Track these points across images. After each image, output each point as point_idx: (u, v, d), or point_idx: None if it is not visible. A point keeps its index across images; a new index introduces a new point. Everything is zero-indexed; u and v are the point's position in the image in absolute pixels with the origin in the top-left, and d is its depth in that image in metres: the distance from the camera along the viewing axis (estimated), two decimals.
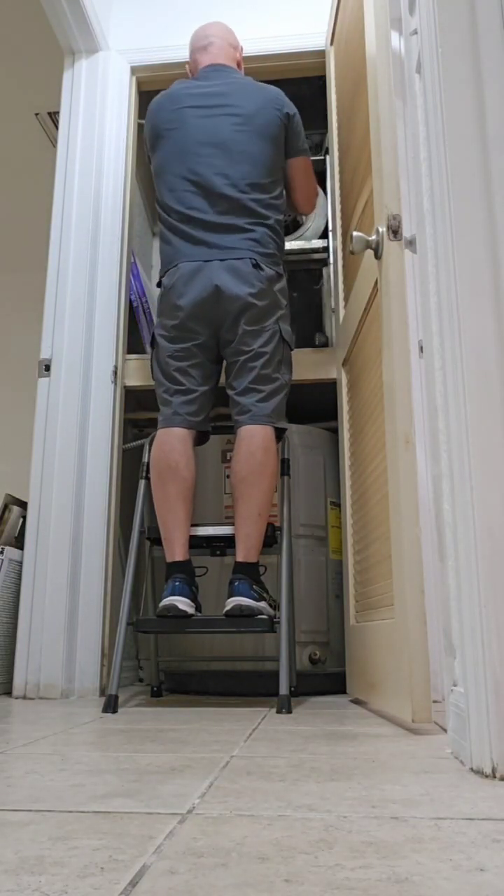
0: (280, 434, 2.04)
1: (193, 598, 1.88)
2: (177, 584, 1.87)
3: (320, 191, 2.76)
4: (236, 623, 1.84)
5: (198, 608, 1.90)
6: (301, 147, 2.26)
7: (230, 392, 2.04)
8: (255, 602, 1.84)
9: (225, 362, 2.09)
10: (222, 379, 2.13)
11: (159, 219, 2.18)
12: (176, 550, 1.92)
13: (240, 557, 1.90)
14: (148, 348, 2.20)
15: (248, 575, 1.88)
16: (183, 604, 1.83)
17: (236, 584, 1.86)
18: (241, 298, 1.99)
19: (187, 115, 2.17)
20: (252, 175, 2.09)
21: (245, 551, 1.90)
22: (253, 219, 2.07)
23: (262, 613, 1.85)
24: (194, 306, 2.01)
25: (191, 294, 2.01)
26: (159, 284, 2.14)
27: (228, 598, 1.85)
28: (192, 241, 2.06)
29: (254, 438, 1.96)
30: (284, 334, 2.07)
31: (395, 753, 1.17)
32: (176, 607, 1.82)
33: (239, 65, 2.39)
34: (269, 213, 2.10)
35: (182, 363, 2.04)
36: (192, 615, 1.85)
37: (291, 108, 2.23)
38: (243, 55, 2.45)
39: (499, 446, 1.08)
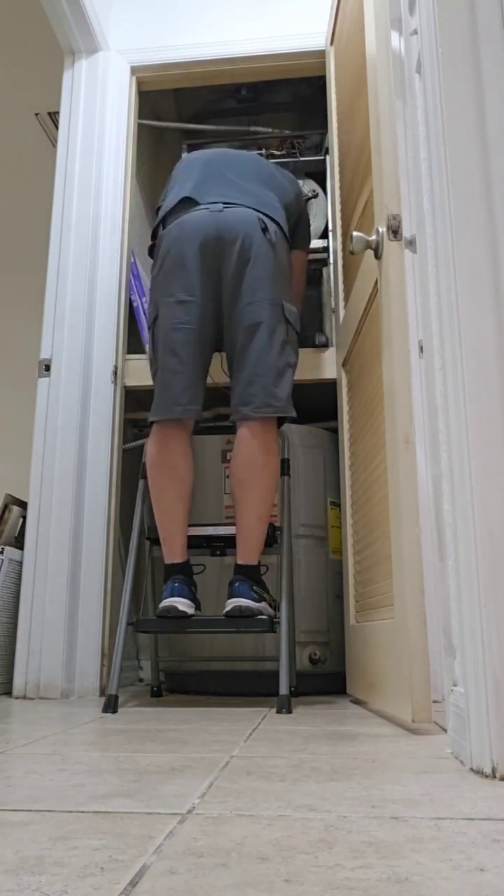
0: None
1: (192, 598, 1.88)
2: (176, 585, 1.87)
3: (320, 191, 2.77)
4: (236, 623, 1.84)
5: (197, 607, 1.90)
6: (306, 240, 2.28)
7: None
8: (254, 603, 1.84)
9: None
10: (219, 378, 2.13)
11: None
12: (175, 552, 1.92)
13: (239, 560, 1.91)
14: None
15: (248, 576, 1.88)
16: (183, 604, 1.83)
17: (236, 585, 1.86)
18: None
19: (205, 157, 2.22)
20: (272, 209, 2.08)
21: (244, 554, 1.90)
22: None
23: (262, 614, 1.85)
24: None
25: None
26: None
27: (228, 598, 1.85)
28: None
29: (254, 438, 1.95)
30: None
31: (395, 753, 1.17)
32: (176, 608, 1.82)
33: None
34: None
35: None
36: (191, 615, 1.85)
37: (304, 200, 2.28)
38: (243, 55, 2.46)
39: (499, 446, 1.08)
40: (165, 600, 1.85)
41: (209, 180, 2.08)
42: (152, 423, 2.01)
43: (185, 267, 1.96)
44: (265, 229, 1.98)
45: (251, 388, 1.93)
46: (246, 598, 1.83)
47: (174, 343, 1.96)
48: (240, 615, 1.82)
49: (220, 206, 1.99)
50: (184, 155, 2.34)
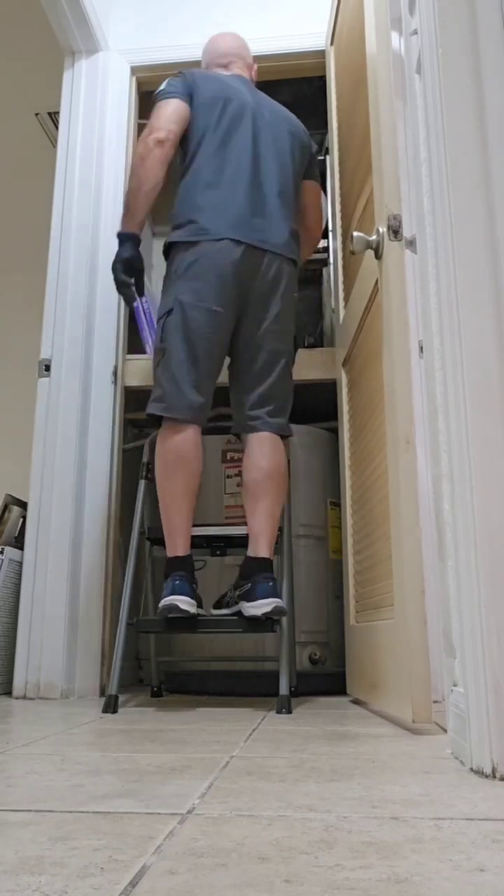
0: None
1: (193, 595, 1.85)
2: (177, 582, 1.83)
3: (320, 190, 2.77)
4: (253, 625, 1.84)
5: (199, 604, 1.88)
6: (317, 173, 2.33)
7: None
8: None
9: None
10: (221, 378, 2.13)
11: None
12: (178, 545, 1.89)
13: (264, 552, 1.88)
14: None
15: (273, 573, 1.88)
16: (184, 603, 1.80)
17: (270, 584, 1.84)
18: None
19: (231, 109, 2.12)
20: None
21: (268, 546, 1.89)
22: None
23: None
24: None
25: None
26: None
27: (261, 597, 1.82)
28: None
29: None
30: None
31: (396, 754, 1.17)
32: (177, 606, 1.79)
33: (253, 80, 2.37)
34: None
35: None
36: (193, 614, 1.82)
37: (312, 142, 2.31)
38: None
39: (499, 446, 1.08)
40: (166, 598, 1.81)
41: (242, 204, 2.02)
42: (163, 418, 1.96)
43: (221, 278, 1.95)
44: (294, 262, 2.07)
45: (270, 402, 2.01)
46: (280, 598, 1.84)
47: (199, 351, 1.95)
48: (279, 616, 1.83)
49: (258, 232, 2.01)
50: (194, 76, 2.16)
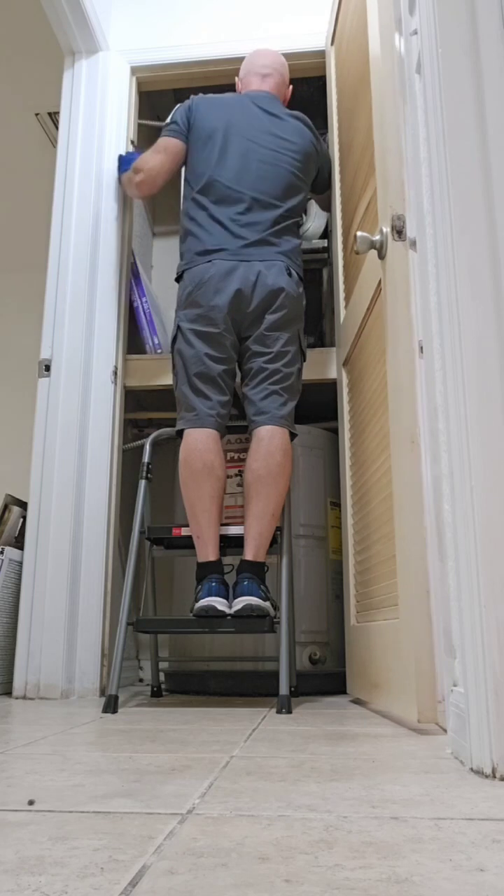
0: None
1: (228, 597, 1.89)
2: (213, 584, 1.87)
3: None
4: (247, 623, 1.84)
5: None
6: (326, 187, 2.50)
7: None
8: (263, 602, 1.84)
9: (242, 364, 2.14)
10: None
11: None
12: (209, 550, 1.93)
13: (249, 556, 1.90)
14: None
15: (257, 574, 1.88)
16: (221, 604, 1.84)
17: (245, 582, 1.86)
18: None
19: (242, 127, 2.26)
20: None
21: (255, 550, 1.90)
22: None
23: (270, 613, 1.85)
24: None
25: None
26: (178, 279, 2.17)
27: (237, 596, 1.85)
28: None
29: (273, 439, 1.97)
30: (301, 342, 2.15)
31: (396, 754, 1.17)
32: (215, 608, 1.83)
33: (285, 99, 2.45)
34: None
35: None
36: (229, 614, 1.85)
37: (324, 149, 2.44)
38: (243, 55, 2.47)
39: (499, 447, 1.08)
40: (204, 600, 1.84)
41: (235, 221, 2.13)
42: (181, 431, 2.05)
43: (217, 303, 2.05)
44: (290, 274, 2.11)
45: (271, 400, 2.02)
46: (256, 596, 1.83)
47: (209, 370, 2.04)
48: (250, 614, 1.82)
49: (252, 250, 2.09)
50: (197, 105, 2.31)
